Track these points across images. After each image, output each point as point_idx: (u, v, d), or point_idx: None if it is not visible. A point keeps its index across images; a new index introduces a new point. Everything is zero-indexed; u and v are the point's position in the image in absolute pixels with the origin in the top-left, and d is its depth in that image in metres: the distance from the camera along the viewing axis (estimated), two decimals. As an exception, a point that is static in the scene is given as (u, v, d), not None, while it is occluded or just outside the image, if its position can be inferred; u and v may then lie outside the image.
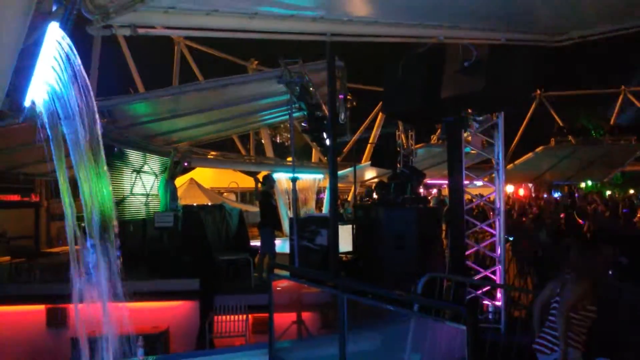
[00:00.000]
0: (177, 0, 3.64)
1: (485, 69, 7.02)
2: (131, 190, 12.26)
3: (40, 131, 3.74)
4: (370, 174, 21.44)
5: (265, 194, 10.83)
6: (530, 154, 23.80)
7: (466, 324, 3.10)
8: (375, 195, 11.69)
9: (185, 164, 14.31)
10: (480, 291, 8.46)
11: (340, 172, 14.54)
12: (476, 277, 8.63)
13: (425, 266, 8.42)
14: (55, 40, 3.42)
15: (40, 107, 3.71)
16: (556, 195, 25.77)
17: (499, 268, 8.56)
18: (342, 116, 11.63)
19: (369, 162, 17.97)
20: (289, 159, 16.71)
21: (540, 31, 5.40)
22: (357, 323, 4.66)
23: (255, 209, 12.59)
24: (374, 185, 18.11)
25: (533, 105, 28.98)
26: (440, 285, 6.55)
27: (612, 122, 29.97)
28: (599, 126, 31.43)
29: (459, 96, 7.36)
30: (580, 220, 11.88)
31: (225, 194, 24.83)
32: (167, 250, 10.52)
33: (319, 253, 10.32)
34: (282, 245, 12.92)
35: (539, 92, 29.32)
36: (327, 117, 10.27)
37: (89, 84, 3.89)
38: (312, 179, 19.85)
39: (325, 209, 19.42)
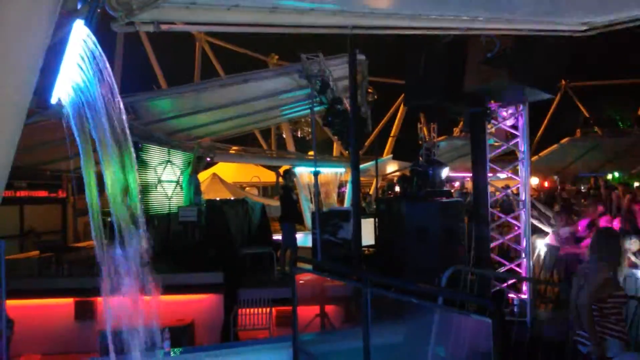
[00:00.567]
0: (199, -5, 3.67)
1: (508, 60, 6.91)
2: (155, 186, 12.42)
3: (66, 128, 3.81)
4: (392, 167, 21.36)
5: (286, 188, 10.86)
6: (555, 146, 23.43)
7: (492, 317, 3.07)
8: (397, 189, 11.63)
9: (208, 159, 14.44)
10: (505, 284, 8.37)
11: (362, 166, 14.50)
12: (501, 270, 8.54)
13: (448, 259, 8.36)
14: (80, 37, 3.47)
15: (66, 104, 3.77)
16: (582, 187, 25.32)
17: (524, 261, 8.46)
18: (364, 109, 11.60)
19: (391, 156, 17.91)
20: (311, 153, 16.74)
21: (565, 21, 5.29)
22: (381, 316, 4.66)
23: (277, 203, 12.65)
24: (395, 178, 18.05)
25: (558, 96, 28.48)
26: (464, 279, 6.50)
27: (639, 112, 29.29)
28: (626, 117, 30.77)
29: (483, 88, 7.28)
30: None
31: (247, 188, 24.98)
32: (191, 244, 10.64)
33: (342, 246, 10.33)
34: (304, 238, 12.98)
35: (564, 82, 28.81)
36: (348, 110, 10.25)
37: (113, 80, 3.94)
38: (333, 172, 19.84)
39: (347, 203, 19.40)
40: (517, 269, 8.59)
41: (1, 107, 2.96)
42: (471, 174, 8.80)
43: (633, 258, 7.32)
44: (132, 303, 4.19)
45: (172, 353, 5.46)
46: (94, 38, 3.57)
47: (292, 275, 5.49)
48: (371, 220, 11.13)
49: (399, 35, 5.29)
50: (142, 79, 22.17)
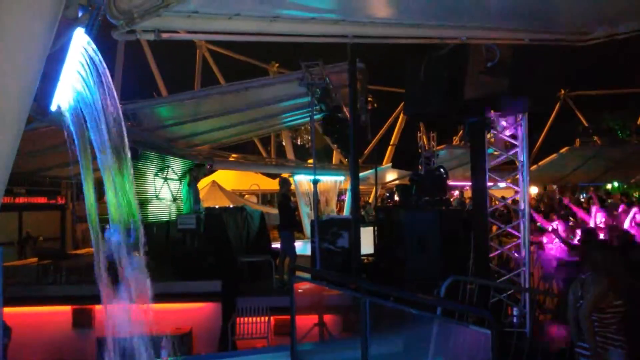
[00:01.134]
0: (200, 5, 3.68)
1: (509, 70, 6.93)
2: (154, 193, 12.41)
3: (66, 135, 3.81)
4: (391, 175, 21.35)
5: (284, 197, 10.87)
6: (554, 155, 23.43)
7: (490, 329, 3.06)
8: (396, 197, 11.62)
9: (208, 166, 14.45)
10: (504, 294, 8.34)
11: (361, 174, 14.51)
12: (500, 280, 8.51)
13: (448, 268, 8.34)
14: (80, 45, 3.48)
15: (66, 111, 3.77)
16: (581, 197, 25.33)
17: (523, 271, 8.43)
18: (363, 118, 11.61)
19: (390, 164, 17.92)
20: (310, 161, 16.74)
21: (565, 31, 5.31)
22: (379, 326, 4.64)
23: (276, 211, 12.66)
24: (395, 187, 18.06)
25: (557, 106, 28.55)
26: (463, 289, 6.48)
27: (638, 122, 29.35)
28: (625, 126, 30.81)
29: (483, 97, 7.29)
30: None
31: (246, 196, 24.97)
32: (189, 252, 10.61)
33: (341, 255, 10.30)
34: (303, 247, 12.94)
35: (563, 92, 28.89)
36: (348, 119, 10.26)
37: (113, 88, 3.95)
38: (333, 180, 19.84)
39: (346, 211, 19.38)
40: (516, 279, 8.56)
41: (1, 113, 2.96)
42: (470, 183, 8.79)
43: None
44: (130, 311, 4.18)
45: (169, 362, 5.43)
46: (94, 46, 3.58)
47: (290, 284, 5.48)
48: (370, 229, 11.11)
49: (399, 44, 5.31)
50: (143, 86, 22.23)
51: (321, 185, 17.18)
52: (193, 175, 12.79)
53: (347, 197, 20.04)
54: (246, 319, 9.00)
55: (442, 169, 10.69)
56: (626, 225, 10.57)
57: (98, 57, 3.64)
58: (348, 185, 18.59)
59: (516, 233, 8.72)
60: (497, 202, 10.03)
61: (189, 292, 9.34)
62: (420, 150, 13.69)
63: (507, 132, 8.84)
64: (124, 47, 17.90)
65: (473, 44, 6.90)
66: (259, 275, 10.69)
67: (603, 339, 4.37)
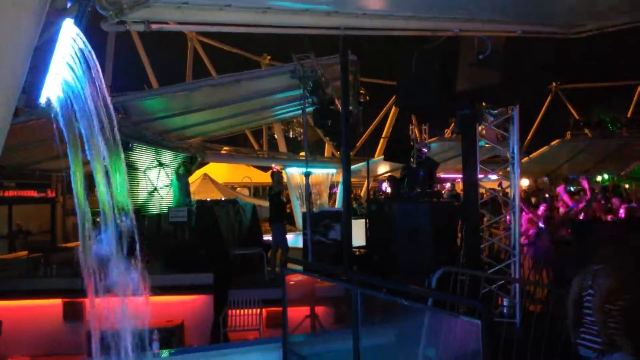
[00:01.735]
0: (190, -5, 3.66)
1: (500, 62, 6.94)
2: (145, 186, 12.36)
3: (55, 128, 3.77)
4: (383, 168, 21.38)
5: (273, 190, 10.91)
6: (545, 147, 23.56)
7: (481, 319, 3.08)
8: (388, 189, 11.66)
9: (199, 159, 14.40)
10: (495, 285, 8.40)
11: (353, 167, 14.52)
12: (490, 271, 8.57)
13: (439, 260, 8.38)
14: (69, 36, 3.44)
15: (55, 103, 3.73)
16: (571, 188, 25.49)
17: (513, 261, 8.50)
18: (355, 110, 11.60)
19: (382, 157, 17.93)
20: (302, 153, 16.73)
21: (557, 23, 5.32)
22: (371, 317, 4.65)
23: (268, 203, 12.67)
24: (386, 179, 18.08)
25: (549, 98, 28.65)
26: (454, 280, 6.52)
27: (629, 114, 29.52)
28: (615, 119, 30.98)
29: (474, 89, 7.30)
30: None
31: (238, 188, 24.93)
32: (181, 245, 10.59)
33: (332, 247, 10.33)
34: (295, 239, 12.96)
35: (554, 84, 28.98)
36: (340, 111, 10.25)
37: (103, 80, 3.91)
38: (325, 173, 19.85)
39: (338, 204, 19.41)
40: (507, 270, 8.63)
41: (-12, 106, 2.93)
42: (462, 175, 8.83)
43: None
44: (121, 304, 4.16)
45: (161, 354, 5.43)
46: (83, 37, 3.54)
47: (282, 276, 5.48)
48: (362, 221, 11.14)
49: (391, 36, 5.30)
50: (133, 78, 22.05)
51: (313, 177, 17.17)
52: (185, 168, 12.75)
53: (339, 190, 20.06)
54: (238, 311, 9.01)
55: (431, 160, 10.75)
56: None
57: (88, 49, 3.60)
58: (340, 178, 18.61)
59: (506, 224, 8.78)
60: (488, 194, 10.07)
61: (181, 285, 9.33)
62: (412, 143, 13.71)
63: (499, 124, 8.88)
64: (114, 39, 17.71)
65: (465, 36, 6.90)
66: (250, 267, 10.70)
67: (614, 330, 4.39)
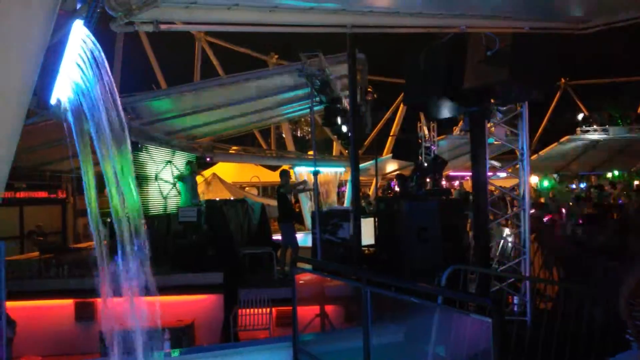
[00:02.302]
0: (198, -5, 3.67)
1: (509, 59, 6.89)
2: (155, 186, 12.41)
3: (66, 128, 3.79)
4: (391, 166, 21.35)
5: (282, 189, 10.91)
6: (555, 144, 23.41)
7: (492, 317, 3.07)
8: (397, 188, 11.64)
9: (208, 159, 14.45)
10: (505, 283, 8.37)
11: (361, 165, 14.49)
12: (501, 269, 8.53)
13: (448, 258, 8.35)
14: (79, 38, 3.46)
15: (66, 104, 3.76)
16: (582, 185, 25.34)
17: (524, 260, 8.45)
18: (363, 108, 11.60)
19: (391, 155, 17.90)
20: (310, 152, 16.73)
21: (565, 19, 5.29)
22: (381, 316, 4.65)
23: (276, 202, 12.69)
24: (394, 178, 18.06)
25: (558, 94, 28.47)
26: (464, 278, 6.50)
27: (639, 110, 29.27)
28: (625, 115, 30.73)
29: (483, 86, 7.25)
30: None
31: (247, 188, 24.97)
32: (190, 245, 10.63)
33: (341, 246, 10.33)
34: (304, 238, 12.95)
35: (563, 80, 28.79)
36: (348, 110, 10.24)
37: (112, 81, 3.94)
38: (333, 172, 19.83)
39: (347, 202, 19.39)
40: (517, 268, 8.58)
41: (1, 108, 2.95)
42: (471, 173, 8.79)
43: None
44: (132, 304, 4.19)
45: (172, 354, 5.45)
46: (93, 38, 3.56)
47: (292, 275, 5.49)
48: (371, 219, 11.12)
49: (398, 33, 5.29)
50: (142, 79, 22.14)
51: (321, 176, 17.18)
52: (192, 168, 12.79)
53: (348, 188, 20.04)
54: (248, 310, 9.03)
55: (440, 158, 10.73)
56: None
57: (97, 50, 3.62)
58: (348, 177, 18.60)
59: (516, 222, 8.73)
60: (497, 191, 10.03)
61: (191, 284, 9.37)
62: (420, 141, 13.68)
63: (508, 121, 8.83)
64: (122, 40, 17.81)
65: (473, 33, 6.87)
66: (260, 267, 10.71)
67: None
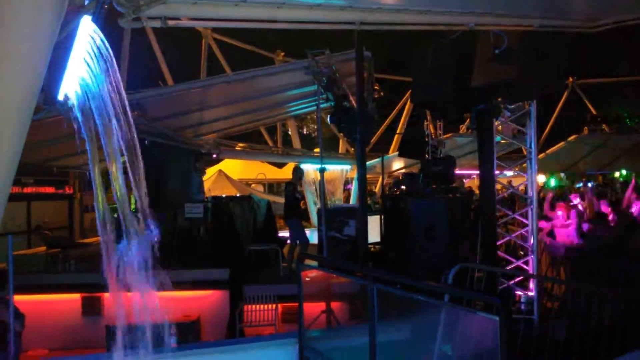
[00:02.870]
0: (206, -9, 3.67)
1: (517, 57, 6.85)
2: (161, 182, 12.42)
3: (73, 124, 3.81)
4: (398, 164, 21.29)
5: (290, 186, 10.92)
6: (562, 143, 23.27)
7: (499, 315, 3.05)
8: (403, 186, 11.62)
9: (214, 155, 14.46)
10: (512, 282, 8.34)
11: (367, 163, 14.46)
12: (508, 268, 8.51)
13: (455, 256, 8.34)
14: (87, 33, 3.47)
15: (73, 100, 3.77)
16: (589, 184, 25.18)
17: (531, 258, 8.42)
18: (370, 106, 11.56)
19: (397, 153, 17.86)
20: (317, 150, 16.72)
21: (574, 17, 5.26)
22: (387, 313, 4.64)
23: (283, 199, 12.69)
24: (401, 176, 18.03)
25: (565, 93, 28.29)
26: (471, 276, 6.48)
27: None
28: (633, 114, 30.53)
29: (491, 84, 7.22)
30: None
31: (253, 185, 25.00)
32: (197, 241, 10.65)
33: (347, 243, 10.33)
34: (310, 235, 12.95)
35: (571, 79, 28.60)
36: (354, 107, 10.22)
37: (119, 77, 3.94)
38: (339, 169, 19.81)
39: (353, 200, 19.38)
40: (524, 266, 8.55)
41: (10, 103, 2.96)
42: (477, 172, 8.76)
43: None
44: (139, 299, 4.20)
45: (178, 349, 5.47)
46: (101, 34, 3.57)
47: (298, 272, 5.49)
48: (377, 217, 11.11)
49: (406, 31, 5.27)
50: (149, 76, 22.15)
51: (327, 174, 17.15)
52: (199, 165, 12.80)
53: (354, 186, 20.02)
54: (254, 306, 9.05)
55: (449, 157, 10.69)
56: None
57: (105, 46, 3.62)
58: (354, 174, 18.56)
59: (523, 220, 8.70)
60: (504, 190, 9.99)
61: (197, 280, 9.39)
62: (426, 139, 13.63)
63: (515, 120, 8.79)
64: (130, 36, 17.83)
65: (481, 31, 6.83)
66: (266, 263, 10.73)
67: None
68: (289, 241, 11.08)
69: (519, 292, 8.43)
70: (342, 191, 20.80)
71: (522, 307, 8.30)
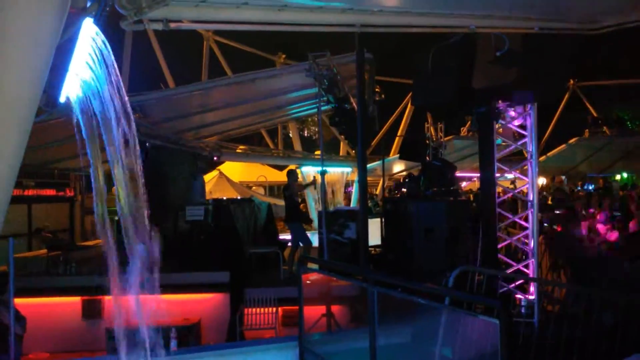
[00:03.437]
0: (208, -6, 3.67)
1: (518, 59, 6.87)
2: (162, 184, 12.41)
3: (75, 127, 3.81)
4: (398, 167, 21.28)
5: (289, 189, 10.92)
6: (563, 146, 23.27)
7: (499, 318, 3.05)
8: (404, 189, 11.61)
9: (215, 158, 14.46)
10: (512, 285, 8.33)
11: (368, 165, 14.46)
12: (508, 271, 8.50)
13: (455, 259, 8.33)
14: (89, 36, 3.47)
15: (75, 102, 3.77)
16: (590, 187, 25.16)
17: (532, 261, 8.41)
18: (371, 109, 11.57)
19: (398, 155, 17.86)
20: (317, 152, 16.72)
21: (575, 19, 5.25)
22: (387, 316, 4.64)
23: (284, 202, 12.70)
24: (402, 178, 18.03)
25: (566, 96, 28.28)
26: (471, 279, 6.47)
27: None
28: (634, 117, 30.52)
29: (492, 87, 7.24)
30: None
31: (254, 187, 24.99)
32: (197, 244, 10.64)
33: (348, 246, 10.31)
34: (311, 238, 12.94)
35: (572, 82, 28.60)
36: (355, 109, 10.22)
37: (121, 79, 3.94)
38: (340, 172, 19.81)
39: (353, 202, 19.37)
40: (525, 270, 8.54)
41: (11, 105, 2.96)
42: (478, 174, 8.76)
43: None
44: (139, 302, 4.20)
45: (178, 352, 5.46)
46: (102, 36, 3.57)
47: (298, 275, 5.49)
48: (378, 220, 11.10)
49: (407, 33, 5.27)
50: (150, 78, 22.19)
51: (328, 176, 17.16)
52: (200, 167, 12.79)
53: (354, 189, 20.00)
54: (254, 309, 9.04)
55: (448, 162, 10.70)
56: None
57: (107, 48, 3.63)
58: (355, 177, 18.55)
59: (524, 223, 8.69)
60: (504, 193, 9.99)
61: (198, 283, 9.38)
62: (427, 141, 13.63)
63: (516, 122, 8.79)
64: (131, 39, 17.86)
65: (482, 33, 6.84)
66: (266, 266, 10.72)
67: None
68: (289, 244, 11.07)
69: (519, 296, 8.42)
70: (343, 193, 20.80)
71: (523, 310, 8.29)
